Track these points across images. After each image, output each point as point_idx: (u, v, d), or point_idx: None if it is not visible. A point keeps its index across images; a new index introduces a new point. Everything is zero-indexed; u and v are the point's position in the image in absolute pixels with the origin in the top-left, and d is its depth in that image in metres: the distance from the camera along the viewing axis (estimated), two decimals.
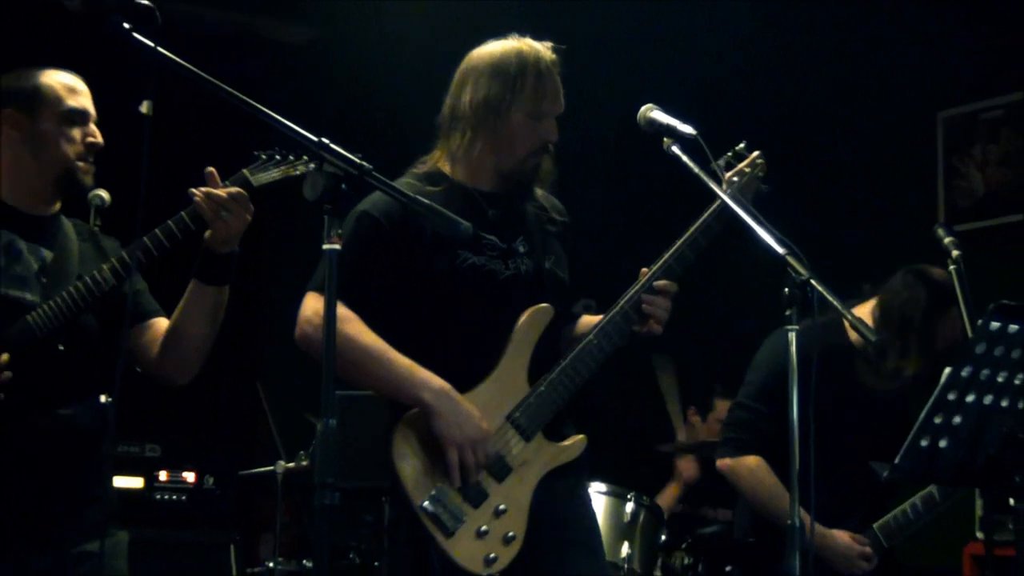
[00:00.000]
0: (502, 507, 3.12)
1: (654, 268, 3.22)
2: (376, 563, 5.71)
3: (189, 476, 6.05)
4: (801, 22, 6.31)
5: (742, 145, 3.40)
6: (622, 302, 3.21)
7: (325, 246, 2.44)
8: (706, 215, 3.26)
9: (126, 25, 2.51)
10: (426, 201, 2.65)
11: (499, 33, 3.33)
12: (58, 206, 3.21)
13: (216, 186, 2.99)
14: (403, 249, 3.14)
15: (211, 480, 6.08)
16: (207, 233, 3.03)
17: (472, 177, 3.29)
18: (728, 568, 4.63)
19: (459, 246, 3.18)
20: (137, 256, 3.01)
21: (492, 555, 3.08)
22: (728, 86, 6.53)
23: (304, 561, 5.78)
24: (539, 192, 3.40)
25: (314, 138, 2.49)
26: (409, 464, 3.08)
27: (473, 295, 3.20)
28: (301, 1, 6.85)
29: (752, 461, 3.99)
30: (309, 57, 7.34)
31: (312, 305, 3.11)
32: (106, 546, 3.06)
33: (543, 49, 3.28)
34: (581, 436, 3.25)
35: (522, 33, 3.31)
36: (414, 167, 3.33)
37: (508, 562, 3.10)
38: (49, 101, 3.13)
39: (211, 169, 3.00)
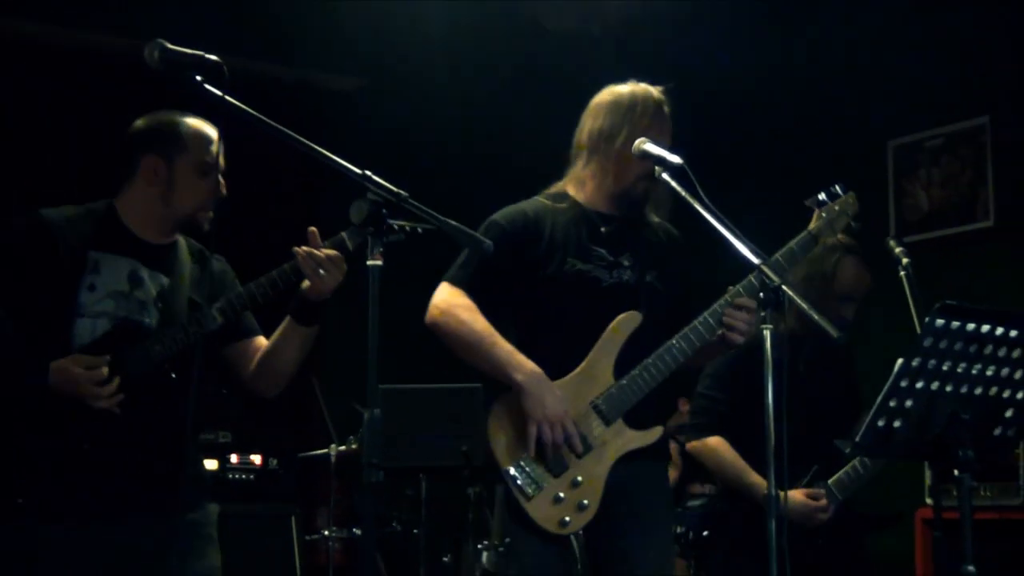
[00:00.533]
0: (579, 479, 3.09)
1: (739, 285, 3.21)
2: (415, 531, 5.71)
3: (256, 458, 6.06)
4: (775, 62, 6.37)
5: (837, 187, 3.41)
6: (705, 313, 3.19)
7: (369, 262, 2.44)
8: (793, 242, 3.30)
9: (199, 78, 2.53)
10: (452, 223, 2.64)
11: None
12: (177, 235, 3.14)
13: (317, 246, 2.93)
14: (522, 252, 3.15)
15: (275, 462, 6.09)
16: (304, 283, 2.99)
17: (591, 198, 3.30)
18: (705, 532, 4.62)
19: (570, 254, 3.20)
20: (212, 314, 2.97)
21: (566, 519, 3.06)
22: (704, 112, 6.53)
23: (354, 529, 5.77)
24: (655, 219, 3.37)
25: (358, 171, 2.49)
26: (501, 436, 3.09)
27: (577, 297, 3.20)
28: (349, 55, 6.86)
29: (713, 441, 3.96)
30: (356, 103, 7.34)
31: (443, 295, 3.18)
32: (201, 515, 3.08)
33: (654, 89, 3.29)
34: (659, 427, 3.21)
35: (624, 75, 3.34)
36: (547, 188, 3.36)
37: (580, 527, 3.07)
38: (189, 151, 3.01)
39: (313, 229, 2.93)
